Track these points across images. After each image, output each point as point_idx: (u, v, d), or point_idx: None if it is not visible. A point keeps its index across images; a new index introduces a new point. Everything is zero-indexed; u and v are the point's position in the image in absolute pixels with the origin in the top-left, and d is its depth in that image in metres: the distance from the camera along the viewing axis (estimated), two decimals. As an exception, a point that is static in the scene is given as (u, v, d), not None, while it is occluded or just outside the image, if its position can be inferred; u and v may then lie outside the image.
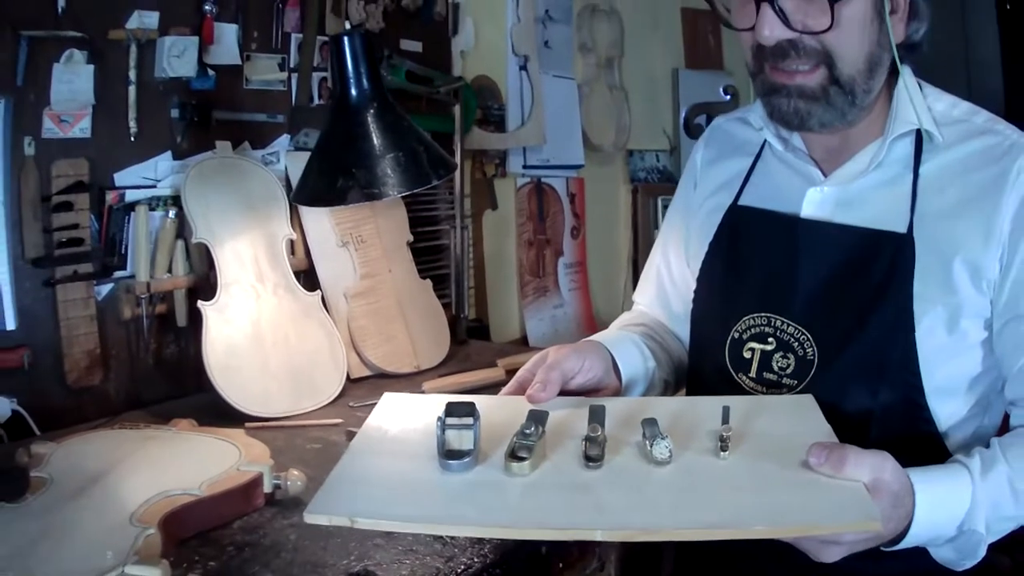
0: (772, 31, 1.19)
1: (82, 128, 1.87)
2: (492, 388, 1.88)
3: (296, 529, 1.21)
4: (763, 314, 1.32)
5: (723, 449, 1.10)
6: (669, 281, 1.61)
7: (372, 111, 1.62)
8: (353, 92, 1.63)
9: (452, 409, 1.12)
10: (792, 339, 1.29)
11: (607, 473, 1.07)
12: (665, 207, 3.69)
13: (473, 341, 2.52)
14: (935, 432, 1.24)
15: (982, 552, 1.14)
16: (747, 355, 1.33)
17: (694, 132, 3.91)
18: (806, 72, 1.21)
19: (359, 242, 2.17)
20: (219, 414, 1.67)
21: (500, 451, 1.10)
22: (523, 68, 3.19)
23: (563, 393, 1.29)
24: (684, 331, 1.54)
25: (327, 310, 2.02)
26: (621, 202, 3.86)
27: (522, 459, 1.06)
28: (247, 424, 1.66)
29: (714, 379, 1.38)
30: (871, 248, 1.24)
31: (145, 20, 1.95)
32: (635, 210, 3.84)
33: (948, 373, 1.23)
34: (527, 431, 1.11)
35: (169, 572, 1.01)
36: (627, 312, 1.71)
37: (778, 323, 1.30)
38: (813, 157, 1.35)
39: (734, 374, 1.35)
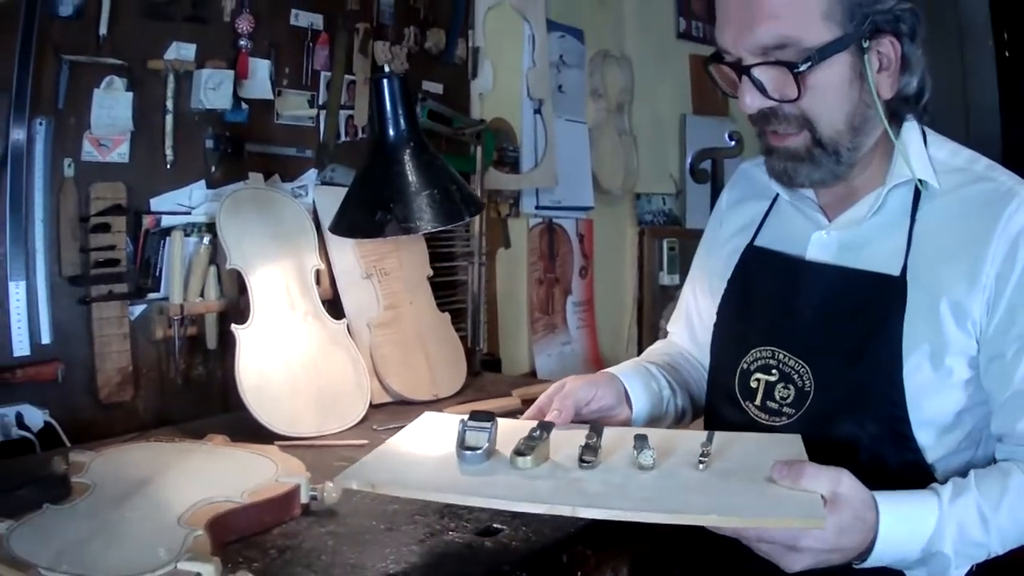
0: (752, 101, 1.29)
1: (120, 153, 1.95)
2: (508, 415, 1.95)
3: (333, 536, 1.27)
4: (768, 347, 1.40)
5: (701, 462, 1.20)
6: (696, 314, 1.70)
7: (409, 150, 1.74)
8: (391, 132, 1.74)
9: (475, 416, 1.29)
10: (792, 371, 1.37)
11: (597, 472, 1.21)
12: (671, 249, 3.81)
13: (486, 373, 2.58)
14: (922, 461, 1.30)
15: (955, 573, 1.19)
16: (753, 385, 1.42)
17: (700, 177, 3.99)
18: (792, 135, 1.31)
19: (383, 275, 2.24)
20: (246, 433, 1.72)
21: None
22: (537, 112, 3.28)
23: (577, 420, 1.42)
24: (708, 361, 1.62)
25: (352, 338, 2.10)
26: (628, 244, 3.94)
27: (525, 455, 1.21)
28: (276, 442, 1.71)
29: (725, 406, 1.47)
30: (867, 289, 1.32)
31: (183, 52, 2.04)
32: (641, 252, 3.91)
33: (934, 407, 1.29)
34: (534, 434, 1.27)
35: (220, 568, 1.07)
36: (660, 340, 1.81)
37: (781, 356, 1.39)
38: (820, 203, 1.43)
39: (742, 402, 1.43)
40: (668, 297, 3.85)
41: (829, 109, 1.28)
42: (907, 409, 1.28)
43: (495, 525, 1.31)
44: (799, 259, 1.42)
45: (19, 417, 1.75)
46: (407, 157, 1.74)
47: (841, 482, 1.11)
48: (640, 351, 1.85)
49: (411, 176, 1.72)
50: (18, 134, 1.78)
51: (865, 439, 1.30)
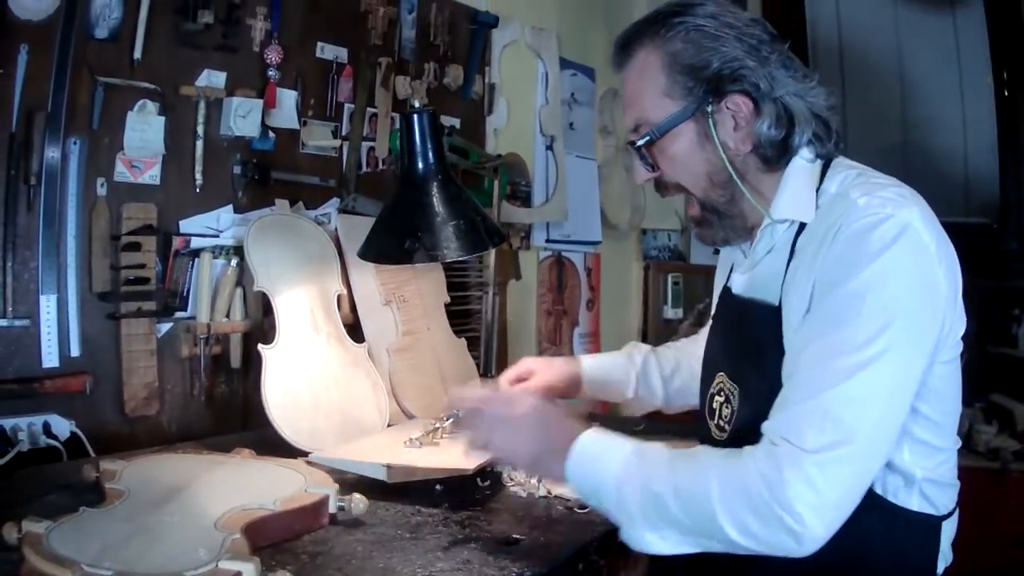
0: (639, 174, 1.48)
1: (152, 175, 2.01)
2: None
3: (362, 543, 1.33)
4: (720, 373, 1.52)
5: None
6: None
7: (436, 182, 1.83)
8: (420, 165, 1.84)
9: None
10: (730, 393, 1.47)
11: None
12: (675, 284, 3.89)
13: (496, 400, 2.63)
14: None
15: (639, 519, 1.24)
16: (715, 406, 1.53)
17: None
18: (690, 204, 1.48)
19: (401, 301, 2.30)
20: (268, 450, 1.75)
21: None
22: (549, 148, 3.37)
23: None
24: None
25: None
26: (633, 278, 4.04)
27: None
28: (301, 458, 1.76)
29: (702, 424, 1.59)
30: (759, 316, 1.41)
31: (213, 79, 2.11)
32: (646, 286, 4.00)
33: None
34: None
35: (260, 568, 1.12)
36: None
37: (724, 380, 1.50)
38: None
39: (708, 420, 1.55)
40: (672, 330, 3.92)
41: (688, 174, 1.43)
42: None
43: (515, 535, 1.39)
44: (732, 294, 1.55)
45: (47, 426, 1.80)
46: (435, 189, 1.83)
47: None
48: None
49: (438, 207, 1.81)
50: (53, 152, 1.83)
51: None
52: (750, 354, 1.43)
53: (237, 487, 1.45)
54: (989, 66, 4.02)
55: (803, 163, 1.42)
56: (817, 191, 1.39)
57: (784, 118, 1.39)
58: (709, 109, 1.38)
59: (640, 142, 1.42)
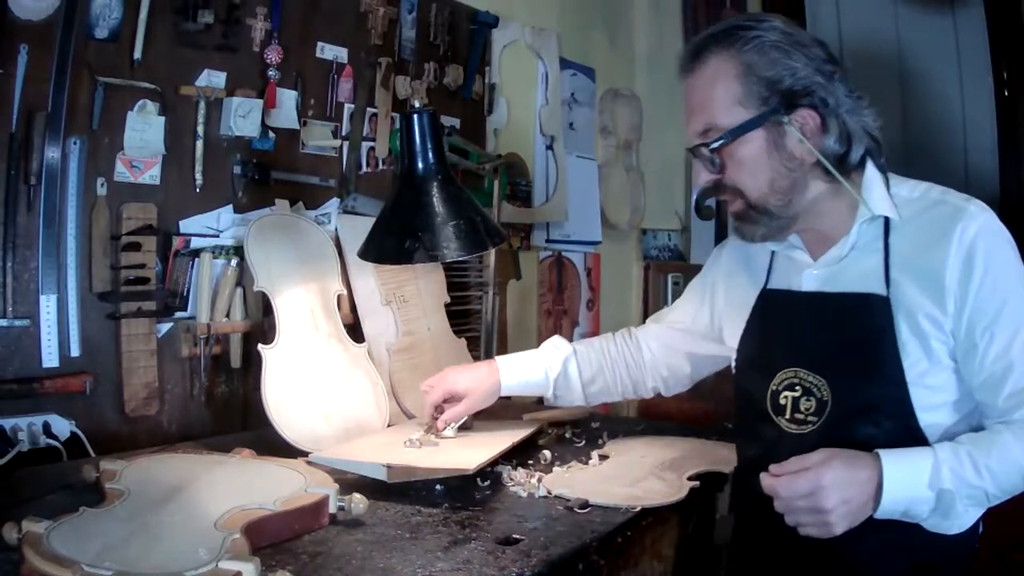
0: (701, 177, 1.56)
1: (152, 175, 2.00)
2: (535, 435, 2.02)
3: (361, 543, 1.33)
4: (791, 368, 1.56)
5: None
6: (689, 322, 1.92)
7: (436, 182, 1.83)
8: (420, 164, 1.84)
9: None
10: (812, 386, 1.53)
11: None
12: (675, 283, 3.88)
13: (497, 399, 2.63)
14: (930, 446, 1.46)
15: (961, 510, 1.40)
16: (783, 402, 1.58)
17: (704, 214, 4.06)
18: (731, 201, 1.56)
19: (401, 301, 2.30)
20: (268, 450, 1.75)
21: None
22: (549, 148, 3.36)
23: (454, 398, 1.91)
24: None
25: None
26: (634, 278, 4.04)
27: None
28: (301, 458, 1.76)
29: (759, 424, 1.63)
30: (859, 307, 1.51)
31: (213, 79, 2.11)
32: (646, 286, 4.00)
33: (932, 401, 1.47)
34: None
35: (260, 568, 1.12)
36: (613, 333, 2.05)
37: (802, 374, 1.55)
38: (807, 247, 1.61)
39: (774, 417, 1.59)
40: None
41: (752, 177, 1.51)
42: (912, 405, 1.45)
43: (515, 535, 1.39)
44: (799, 292, 1.61)
45: (47, 426, 1.79)
46: (435, 189, 1.83)
47: (820, 451, 1.40)
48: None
49: (438, 207, 1.81)
50: (53, 152, 1.83)
51: (881, 436, 1.45)
52: (847, 344, 1.51)
53: (237, 487, 1.45)
54: (989, 66, 4.02)
55: (875, 169, 1.55)
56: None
57: (844, 134, 1.49)
58: (784, 120, 1.47)
59: (714, 144, 1.49)
